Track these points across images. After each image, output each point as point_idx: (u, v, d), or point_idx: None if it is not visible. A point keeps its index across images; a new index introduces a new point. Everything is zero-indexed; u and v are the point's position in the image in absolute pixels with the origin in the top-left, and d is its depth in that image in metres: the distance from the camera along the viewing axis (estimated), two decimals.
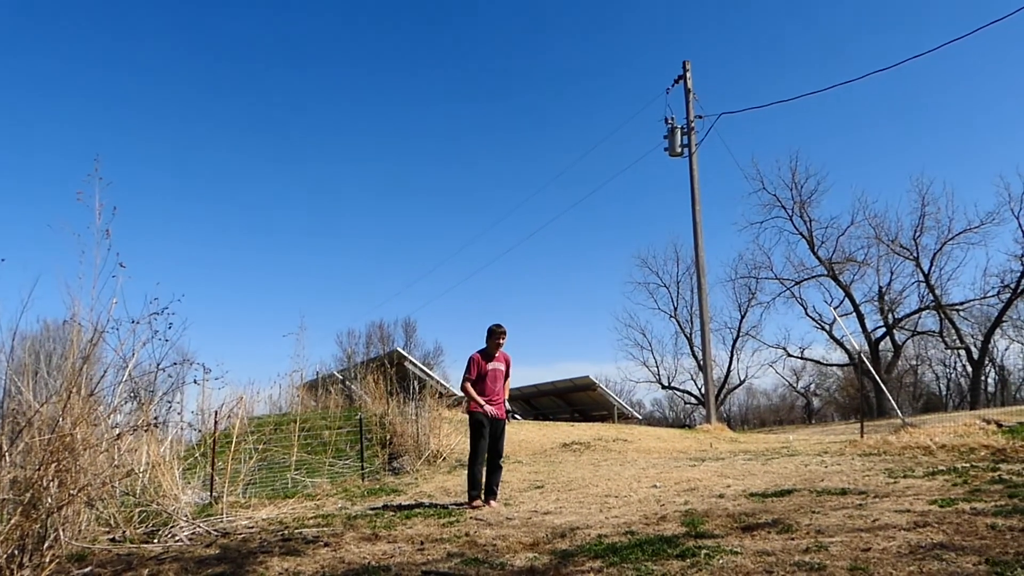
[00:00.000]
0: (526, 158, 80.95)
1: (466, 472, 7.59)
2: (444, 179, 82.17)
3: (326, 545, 5.36)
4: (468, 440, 7.38)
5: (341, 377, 19.83)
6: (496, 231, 77.79)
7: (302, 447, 11.08)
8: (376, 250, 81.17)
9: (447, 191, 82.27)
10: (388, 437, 12.38)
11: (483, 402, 7.29)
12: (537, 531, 5.51)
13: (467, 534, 5.54)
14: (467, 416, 7.44)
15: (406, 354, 22.71)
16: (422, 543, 5.29)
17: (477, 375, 7.32)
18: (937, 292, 35.50)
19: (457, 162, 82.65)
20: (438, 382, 19.93)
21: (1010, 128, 62.22)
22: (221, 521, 6.63)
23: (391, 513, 6.97)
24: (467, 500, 7.22)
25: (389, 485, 9.58)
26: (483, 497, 7.22)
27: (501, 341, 7.43)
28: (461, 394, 16.87)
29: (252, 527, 6.44)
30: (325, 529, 6.10)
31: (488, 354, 7.38)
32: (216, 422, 8.73)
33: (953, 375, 51.18)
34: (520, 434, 14.92)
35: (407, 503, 7.80)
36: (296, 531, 6.06)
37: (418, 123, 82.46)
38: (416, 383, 15.12)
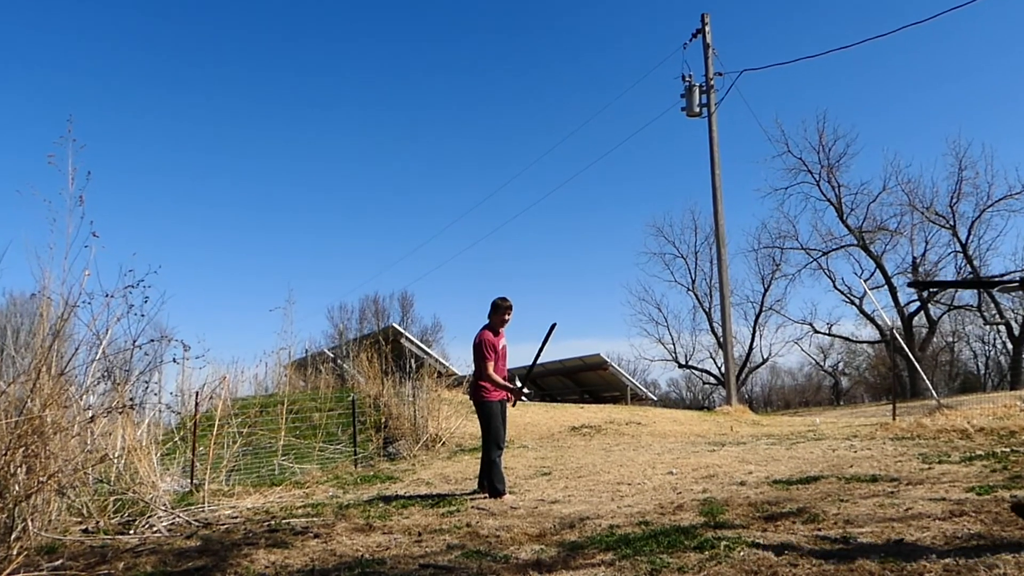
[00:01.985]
0: (532, 120, 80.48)
1: (474, 459, 7.59)
2: (445, 144, 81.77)
3: (316, 536, 5.39)
4: (480, 429, 7.21)
5: (332, 355, 19.85)
6: (499, 199, 77.63)
7: (290, 431, 11.12)
8: (371, 218, 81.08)
9: (448, 157, 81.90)
10: (383, 420, 12.42)
11: (513, 388, 7.22)
12: (544, 521, 5.53)
13: (468, 525, 5.57)
14: (480, 403, 7.15)
15: (402, 330, 22.73)
16: (420, 534, 5.31)
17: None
18: (975, 263, 35.33)
19: (457, 124, 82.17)
20: (437, 360, 19.96)
21: None
22: (203, 511, 6.68)
23: (386, 502, 7.00)
24: (496, 495, 6.91)
25: (384, 472, 9.61)
26: (479, 488, 7.22)
27: (508, 317, 7.26)
28: (462, 373, 16.95)
29: (236, 517, 6.48)
30: (315, 519, 6.14)
31: (495, 331, 7.24)
32: (197, 404, 8.75)
33: (992, 353, 51.14)
34: (526, 417, 14.97)
35: (404, 491, 7.83)
36: (284, 521, 6.10)
37: (418, 88, 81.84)
38: (413, 361, 15.12)
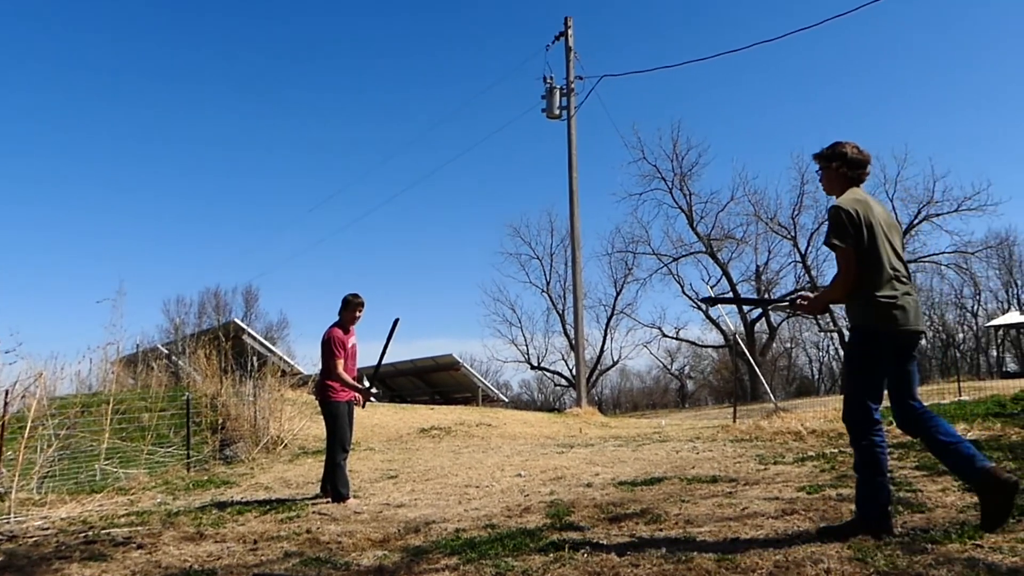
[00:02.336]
0: (392, 112, 79.70)
1: (318, 462, 7.40)
2: (295, 133, 79.58)
3: (139, 547, 5.08)
4: (326, 430, 7.02)
5: (167, 351, 18.92)
6: (350, 194, 76.38)
7: (115, 432, 10.46)
8: (216, 204, 77.72)
9: (298, 147, 79.76)
10: (220, 421, 11.92)
11: (362, 389, 7.07)
12: (388, 526, 5.46)
13: (308, 531, 5.42)
14: (326, 403, 6.97)
15: (245, 326, 21.98)
16: (255, 542, 5.11)
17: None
18: (813, 273, 38.14)
19: (311, 116, 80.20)
20: (281, 358, 19.42)
21: (886, 107, 67.41)
22: (7, 522, 6.18)
23: (220, 508, 6.72)
24: (339, 499, 6.73)
25: (220, 476, 9.23)
26: (322, 492, 7.07)
27: (359, 314, 7.15)
28: (307, 372, 16.55)
29: (47, 528, 6.03)
30: (139, 528, 5.79)
31: (345, 328, 7.10)
32: (6, 403, 8.07)
33: (825, 358, 55.38)
34: (373, 418, 14.77)
35: (240, 497, 7.55)
36: (103, 531, 5.72)
37: (274, 73, 79.20)
38: (256, 359, 14.65)
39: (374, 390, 7.25)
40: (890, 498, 4.08)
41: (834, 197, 4.29)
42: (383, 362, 7.42)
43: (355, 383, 7.05)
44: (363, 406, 7.39)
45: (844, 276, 4.02)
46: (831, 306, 4.26)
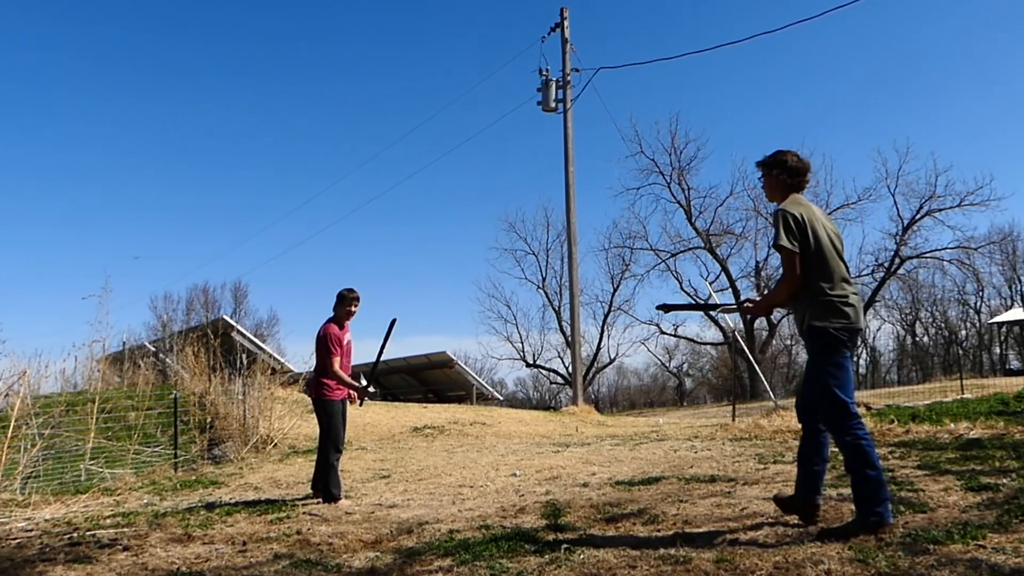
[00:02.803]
0: (385, 105, 79.59)
1: (308, 461, 7.39)
2: (286, 125, 79.42)
3: (125, 549, 5.07)
4: (319, 429, 7.00)
5: (154, 349, 18.91)
6: (342, 189, 76.27)
7: (101, 432, 10.44)
8: (204, 197, 77.56)
9: (289, 139, 79.62)
10: (209, 420, 11.91)
11: (359, 387, 7.05)
12: (380, 527, 5.46)
13: (299, 532, 5.41)
14: (320, 401, 6.94)
15: (234, 323, 21.99)
16: (244, 543, 5.11)
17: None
18: None
19: (301, 108, 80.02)
20: (271, 356, 19.42)
21: (888, 100, 67.52)
22: None
23: (208, 509, 6.71)
24: (331, 500, 6.71)
25: (208, 476, 9.22)
26: (313, 492, 7.07)
27: (354, 309, 7.11)
28: (298, 370, 16.53)
29: (31, 530, 6.01)
30: (125, 530, 5.78)
31: (340, 324, 7.07)
32: None
33: None
34: (366, 417, 14.77)
35: (229, 497, 7.55)
36: (88, 533, 5.71)
37: (266, 64, 79.01)
38: (245, 357, 14.64)
39: (371, 389, 7.23)
40: (887, 492, 4.16)
41: (776, 204, 4.51)
42: (380, 361, 7.42)
43: (352, 381, 7.04)
44: (359, 404, 7.38)
45: (789, 278, 4.23)
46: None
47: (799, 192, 4.50)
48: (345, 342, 7.04)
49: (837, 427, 4.17)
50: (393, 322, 7.11)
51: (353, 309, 7.11)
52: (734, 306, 4.98)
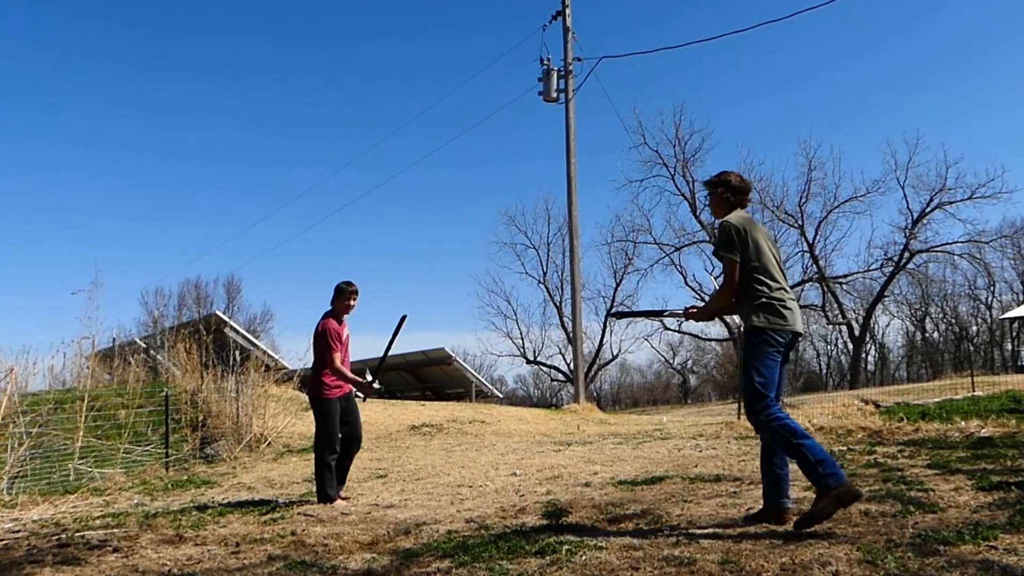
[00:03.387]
0: (381, 96, 79.49)
1: (303, 460, 7.37)
2: (282, 116, 79.34)
3: (115, 551, 5.07)
4: (315, 430, 6.94)
5: (145, 345, 18.88)
6: (337, 181, 76.23)
7: (90, 430, 10.46)
8: (196, 191, 77.52)
9: (284, 131, 79.55)
10: (201, 418, 11.94)
11: (363, 382, 7.00)
12: (377, 528, 5.46)
13: (293, 533, 5.42)
14: (317, 400, 6.91)
15: (226, 319, 21.95)
16: (237, 545, 5.11)
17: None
18: (821, 263, 38.20)
19: (296, 99, 79.95)
20: (265, 352, 19.41)
21: (897, 90, 67.46)
22: None
23: (201, 510, 6.71)
24: (326, 501, 6.70)
25: (200, 476, 9.24)
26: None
27: (352, 303, 7.06)
28: (292, 367, 16.53)
29: (18, 531, 6.02)
30: (115, 531, 5.79)
31: (339, 319, 7.02)
32: None
33: (834, 352, 55.56)
34: (362, 415, 14.76)
35: (221, 497, 7.57)
36: (77, 534, 5.71)
37: (259, 53, 78.92)
38: (238, 353, 14.63)
39: (377, 384, 7.18)
40: (827, 454, 4.45)
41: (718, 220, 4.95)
42: (386, 357, 7.40)
43: (355, 376, 6.99)
44: (364, 399, 7.30)
45: (729, 285, 4.69)
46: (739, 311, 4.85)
47: (742, 209, 4.96)
48: (344, 337, 7.01)
49: (757, 418, 4.57)
50: (403, 319, 7.07)
51: (352, 303, 7.07)
52: (680, 312, 5.48)
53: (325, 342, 6.85)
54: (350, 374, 6.96)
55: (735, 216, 4.82)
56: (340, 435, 7.01)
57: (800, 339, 4.84)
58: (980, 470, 6.07)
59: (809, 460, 4.35)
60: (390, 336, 7.14)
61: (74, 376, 14.99)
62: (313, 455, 7.11)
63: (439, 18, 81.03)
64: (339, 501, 6.75)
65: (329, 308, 7.08)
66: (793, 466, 4.61)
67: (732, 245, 4.65)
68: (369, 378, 7.21)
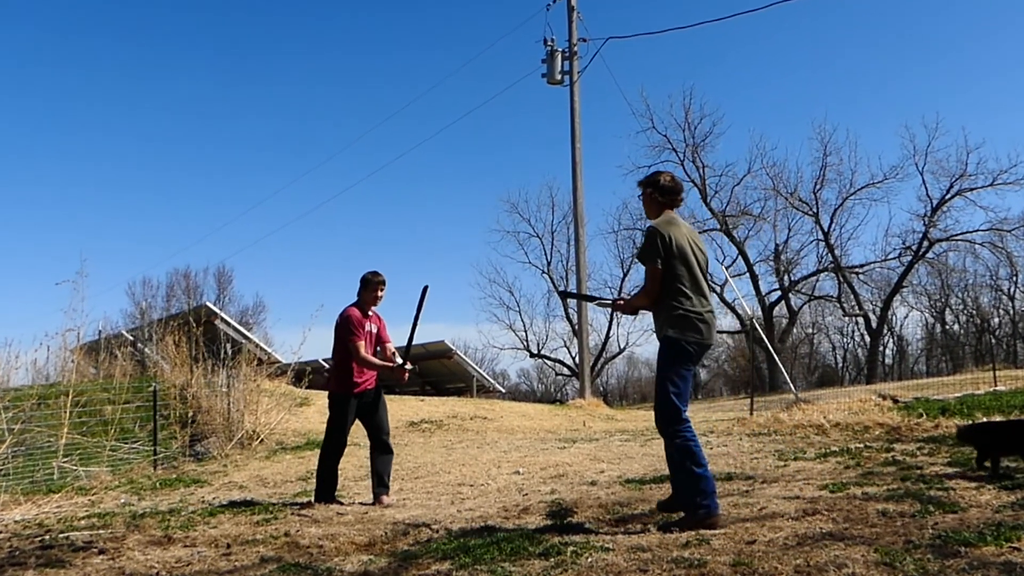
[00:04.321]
0: (379, 79, 79.33)
1: (297, 458, 7.38)
2: (275, 99, 79.24)
3: (101, 552, 5.08)
4: (326, 426, 6.92)
5: (132, 338, 18.91)
6: (334, 166, 76.19)
7: (75, 427, 10.47)
8: (185, 177, 77.50)
9: (278, 114, 79.45)
10: (191, 414, 11.96)
11: (394, 366, 6.88)
12: (374, 528, 5.47)
13: (287, 534, 5.42)
14: (334, 395, 6.85)
15: (217, 310, 22.01)
16: (229, 546, 5.12)
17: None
18: (837, 252, 38.12)
19: (291, 81, 79.79)
20: (257, 345, 19.44)
21: (916, 72, 67.23)
22: None
23: (190, 510, 6.72)
24: (322, 499, 6.69)
25: (190, 474, 9.26)
26: (374, 491, 6.83)
27: (380, 294, 6.99)
28: (286, 361, 16.54)
29: (0, 532, 6.03)
30: (101, 532, 5.80)
31: (364, 311, 6.94)
32: None
33: (850, 345, 55.55)
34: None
35: (212, 497, 7.59)
36: (61, 535, 5.72)
37: (252, 35, 78.77)
38: (229, 347, 14.65)
39: (409, 365, 7.03)
40: (713, 486, 4.83)
41: (650, 220, 5.22)
42: (415, 334, 7.20)
43: (383, 362, 6.91)
44: (403, 381, 7.16)
45: (649, 289, 4.93)
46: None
47: (672, 209, 5.18)
48: (368, 330, 6.90)
49: (667, 430, 4.85)
50: (425, 289, 6.98)
51: (379, 294, 6.99)
52: (608, 301, 5.92)
53: (347, 329, 6.76)
54: (377, 360, 6.87)
55: (662, 221, 5.04)
56: (366, 432, 6.99)
57: (710, 349, 5.18)
58: (1002, 468, 6.06)
59: (696, 483, 4.71)
60: (414, 312, 6.99)
61: (58, 370, 15.01)
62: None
63: None
64: (335, 505, 6.66)
65: (356, 299, 7.00)
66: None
67: (655, 252, 4.86)
68: (399, 361, 7.05)
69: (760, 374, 36.42)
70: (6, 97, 73.35)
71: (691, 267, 4.91)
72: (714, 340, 5.06)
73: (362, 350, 6.74)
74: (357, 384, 6.84)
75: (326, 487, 6.80)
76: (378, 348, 7.11)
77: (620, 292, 43.48)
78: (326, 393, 7.06)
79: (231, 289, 53.72)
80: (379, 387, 7.06)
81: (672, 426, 4.82)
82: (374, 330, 7.03)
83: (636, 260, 5.55)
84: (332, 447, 6.86)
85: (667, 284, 4.87)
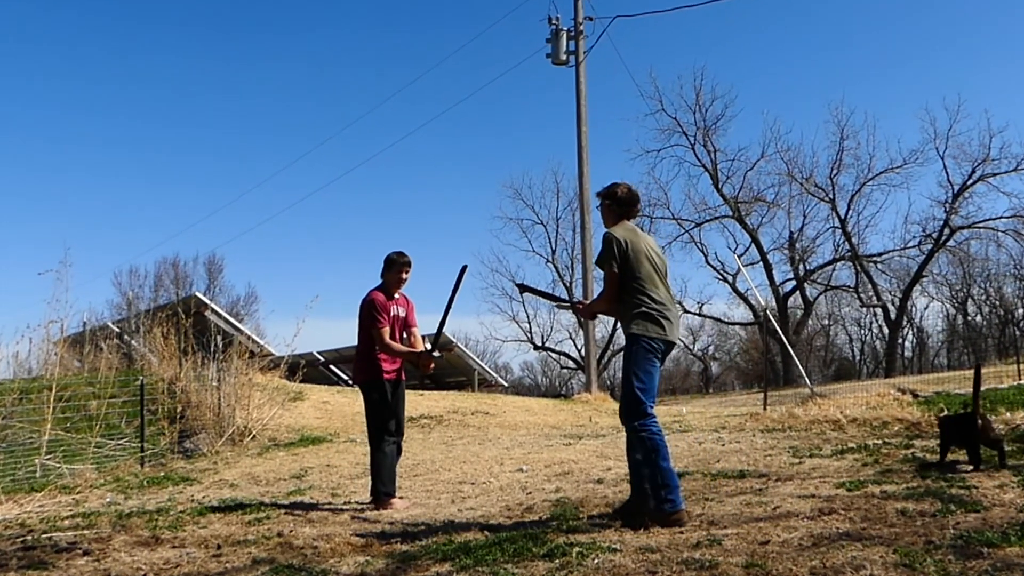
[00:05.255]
0: (375, 60, 79.17)
1: (290, 455, 7.35)
2: (268, 79, 79.11)
3: (86, 553, 5.10)
4: (366, 418, 6.74)
5: (118, 330, 18.95)
6: (329, 150, 76.05)
7: (59, 423, 10.48)
8: (174, 161, 77.46)
9: (271, 95, 79.31)
10: (179, 409, 11.96)
11: (419, 352, 6.71)
12: (371, 528, 5.50)
13: (280, 534, 5.44)
14: (366, 384, 6.70)
15: (207, 301, 21.96)
16: (219, 547, 5.13)
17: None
18: (854, 240, 38.06)
19: (285, 61, 79.64)
20: (249, 338, 19.43)
21: (937, 53, 66.96)
22: None
23: (179, 509, 6.74)
24: (379, 502, 6.45)
25: (179, 472, 9.29)
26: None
27: (405, 275, 6.81)
28: (280, 354, 16.53)
29: None
30: (86, 532, 5.81)
31: (389, 294, 6.78)
32: None
33: (868, 337, 55.53)
34: (354, 406, 14.80)
35: (202, 495, 7.61)
36: (44, 536, 5.75)
37: (243, 11, 78.59)
38: (220, 339, 14.62)
39: (436, 353, 6.84)
40: (677, 480, 5.10)
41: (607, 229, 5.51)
42: (448, 315, 6.93)
43: (408, 349, 6.76)
44: (427, 371, 6.90)
45: (607, 294, 5.34)
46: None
47: (629, 220, 5.58)
48: (394, 314, 6.74)
49: (632, 424, 5.12)
50: (464, 269, 6.77)
51: (404, 275, 6.83)
52: (568, 303, 6.31)
53: (370, 315, 6.61)
54: (402, 347, 6.73)
55: (619, 228, 5.41)
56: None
57: (673, 348, 5.52)
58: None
59: (656, 479, 4.97)
60: (451, 290, 6.76)
61: (41, 364, 15.02)
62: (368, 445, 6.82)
63: None
64: (396, 500, 6.52)
65: (380, 282, 6.86)
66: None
67: (611, 256, 5.22)
68: (428, 346, 6.86)
69: (774, 367, 36.44)
70: None
71: (650, 270, 5.27)
72: (678, 338, 5.44)
73: (386, 336, 6.59)
74: (386, 371, 6.69)
75: (384, 479, 6.51)
76: (404, 335, 6.93)
77: None
78: (348, 388, 6.94)
79: (222, 279, 53.77)
80: (400, 380, 6.88)
81: (635, 420, 5.11)
82: (401, 314, 6.85)
83: (596, 265, 5.75)
84: (377, 437, 6.60)
85: (627, 284, 5.23)
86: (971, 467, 6.17)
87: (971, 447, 6.31)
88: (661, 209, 40.59)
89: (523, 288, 6.53)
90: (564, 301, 6.19)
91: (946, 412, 7.99)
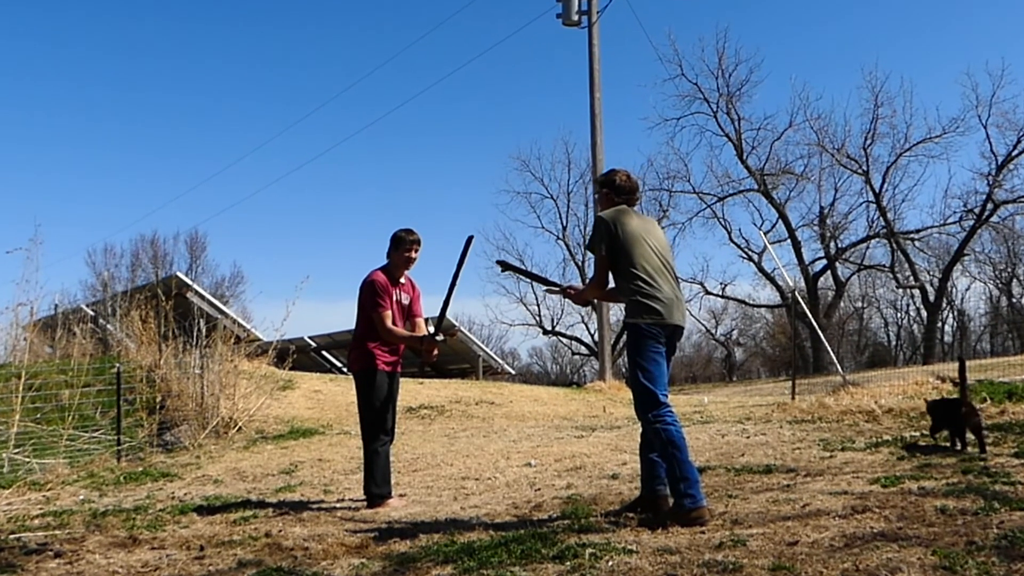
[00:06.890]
0: (371, 20, 78.86)
1: (279, 449, 7.37)
2: (255, 42, 78.90)
3: (58, 555, 5.12)
4: (358, 411, 6.71)
5: (92, 313, 18.97)
6: (322, 119, 75.83)
7: (28, 413, 10.52)
8: (150, 132, 77.40)
9: (259, 59, 79.11)
10: (159, 399, 12.01)
11: (422, 337, 6.64)
12: (367, 528, 5.52)
13: (268, 534, 5.46)
14: (360, 373, 6.63)
15: (189, 281, 22.00)
16: (202, 548, 5.15)
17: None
18: (889, 216, 37.84)
19: (272, 23, 79.37)
20: (235, 321, 19.47)
21: (979, 13, 66.40)
22: None
23: (159, 507, 6.78)
24: (374, 502, 6.44)
25: (159, 467, 9.32)
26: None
27: (414, 255, 6.71)
28: (268, 339, 16.57)
29: None
30: (57, 532, 5.85)
31: (393, 275, 6.70)
32: None
33: (905, 321, 55.45)
34: (348, 396, 14.82)
35: (184, 492, 7.64)
36: (12, 536, 5.78)
37: None
38: (203, 322, 14.65)
39: (440, 337, 6.70)
40: (696, 474, 5.13)
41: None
42: (453, 291, 6.73)
43: (410, 334, 6.70)
44: (433, 358, 6.80)
45: (596, 278, 5.52)
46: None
47: (630, 207, 5.72)
48: (396, 299, 6.67)
49: (645, 416, 5.23)
50: (470, 240, 6.61)
51: (413, 255, 6.72)
52: (558, 287, 6.11)
53: (371, 299, 6.54)
54: (404, 332, 6.65)
55: (609, 211, 5.55)
56: None
57: (681, 332, 5.52)
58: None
59: (675, 474, 5.02)
60: (457, 264, 6.63)
61: (9, 349, 15.08)
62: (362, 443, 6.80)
63: None
64: (394, 500, 6.52)
65: (385, 262, 6.77)
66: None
67: (599, 239, 5.39)
68: (431, 330, 6.74)
69: (803, 353, 36.42)
70: None
71: (645, 251, 5.35)
72: (682, 322, 5.45)
73: (387, 321, 6.51)
74: (386, 359, 6.65)
75: (377, 480, 6.50)
76: (406, 324, 6.85)
77: None
78: (341, 376, 6.91)
79: (205, 258, 53.77)
80: (397, 372, 6.83)
81: (649, 411, 5.20)
82: (405, 300, 6.78)
83: (586, 249, 5.95)
84: (371, 432, 6.59)
85: (622, 269, 5.33)
86: (958, 448, 7.05)
87: (956, 430, 7.17)
88: (681, 182, 40.41)
89: (505, 266, 6.55)
90: (553, 284, 5.98)
91: (936, 398, 8.47)
